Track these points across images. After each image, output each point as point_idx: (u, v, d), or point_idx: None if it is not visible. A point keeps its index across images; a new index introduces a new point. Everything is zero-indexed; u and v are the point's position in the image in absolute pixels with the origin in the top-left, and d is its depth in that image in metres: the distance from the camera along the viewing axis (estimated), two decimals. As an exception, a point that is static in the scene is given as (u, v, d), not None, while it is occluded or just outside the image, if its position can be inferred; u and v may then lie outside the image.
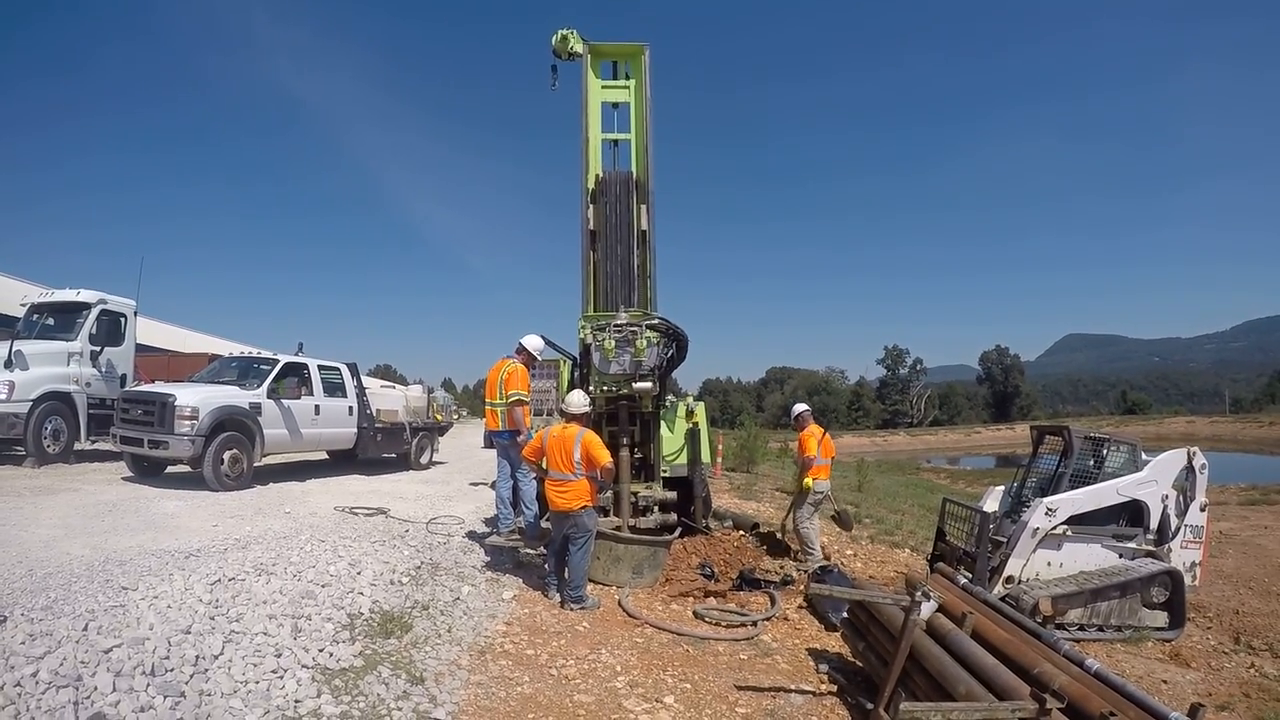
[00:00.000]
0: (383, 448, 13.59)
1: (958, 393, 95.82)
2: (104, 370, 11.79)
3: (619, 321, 7.71)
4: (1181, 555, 7.13)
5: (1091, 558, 7.05)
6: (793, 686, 5.03)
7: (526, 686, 4.66)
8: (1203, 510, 7.32)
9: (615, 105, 9.08)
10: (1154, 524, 7.13)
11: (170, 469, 10.67)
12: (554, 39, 8.65)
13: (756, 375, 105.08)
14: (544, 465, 6.64)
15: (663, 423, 8.79)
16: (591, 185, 8.79)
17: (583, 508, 6.40)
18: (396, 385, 18.90)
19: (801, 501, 8.71)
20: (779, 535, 9.56)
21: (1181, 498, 7.24)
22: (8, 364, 10.44)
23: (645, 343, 7.58)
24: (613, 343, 7.56)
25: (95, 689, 3.61)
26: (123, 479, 10.12)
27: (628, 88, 8.99)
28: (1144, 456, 7.46)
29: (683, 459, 8.96)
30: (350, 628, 5.10)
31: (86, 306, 11.80)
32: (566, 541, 6.48)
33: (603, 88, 8.99)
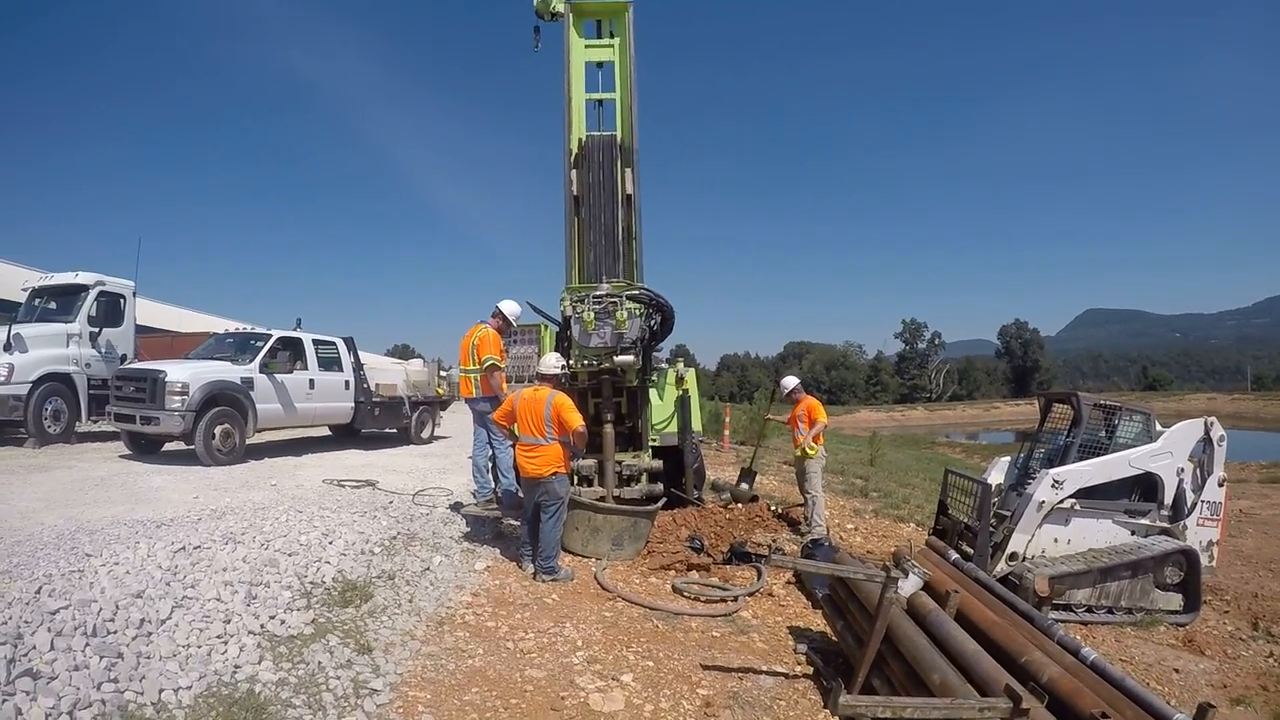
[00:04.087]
0: (381, 422, 13.56)
1: (977, 367, 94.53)
2: (104, 351, 11.85)
3: (599, 293, 7.47)
4: (1198, 533, 6.71)
5: (1101, 534, 6.64)
6: (764, 667, 4.76)
7: (478, 659, 4.51)
8: (1221, 485, 6.88)
9: (599, 65, 8.78)
10: (1168, 499, 6.70)
11: (167, 446, 10.72)
12: None
13: (775, 350, 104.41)
14: (515, 430, 6.47)
15: (652, 390, 8.60)
16: (574, 149, 8.52)
17: (554, 474, 6.21)
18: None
19: (814, 469, 8.63)
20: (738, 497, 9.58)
21: (1198, 471, 6.80)
22: (6, 347, 10.53)
23: (626, 314, 7.34)
24: (592, 315, 7.32)
25: (33, 648, 3.56)
26: (120, 457, 10.16)
27: (612, 46, 8.68)
28: (1158, 427, 7.04)
29: (672, 427, 8.78)
30: (308, 595, 4.99)
31: (85, 288, 11.86)
32: (539, 510, 6.32)
33: (586, 47, 8.68)
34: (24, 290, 12.47)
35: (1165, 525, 6.69)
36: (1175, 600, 6.45)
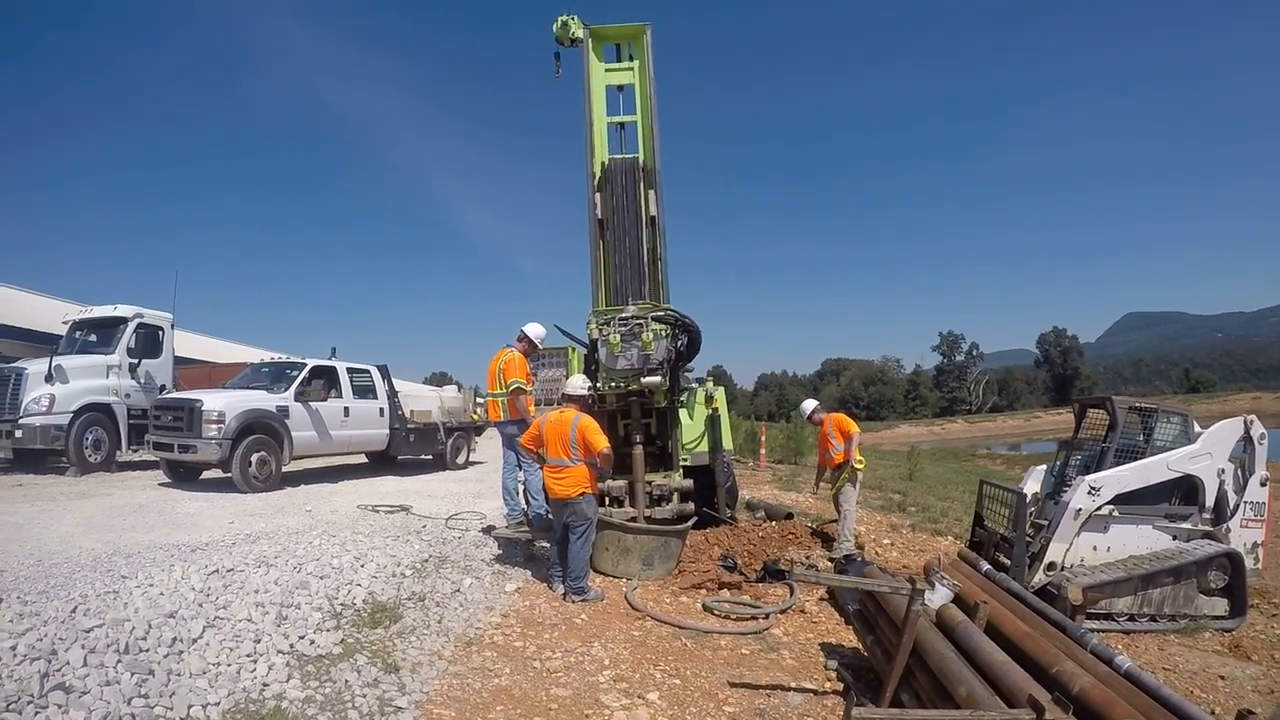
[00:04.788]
0: (416, 448, 13.70)
1: (1016, 377, 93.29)
2: (143, 381, 12.19)
3: (624, 315, 7.50)
4: (1241, 536, 6.46)
5: (1142, 541, 6.43)
6: (792, 684, 4.67)
7: (505, 679, 4.49)
8: (1264, 485, 6.63)
9: (620, 88, 8.90)
10: (1210, 502, 6.47)
11: (205, 474, 10.95)
12: (555, 26, 8.54)
13: (812, 368, 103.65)
14: (543, 453, 6.49)
15: (682, 410, 8.58)
16: (597, 172, 8.62)
17: (581, 494, 6.21)
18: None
19: (851, 481, 8.39)
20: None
21: (1240, 472, 6.57)
22: (48, 378, 10.91)
23: (652, 336, 7.36)
24: (618, 337, 7.36)
25: (67, 663, 3.65)
26: (159, 485, 10.40)
27: (631, 69, 8.81)
28: (1197, 428, 6.81)
29: (703, 446, 8.75)
30: (338, 617, 5.04)
31: (124, 320, 12.24)
32: (567, 531, 6.30)
33: (606, 71, 8.83)
34: (65, 323, 12.89)
35: (1207, 528, 6.47)
36: (1220, 605, 6.21)
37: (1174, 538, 6.44)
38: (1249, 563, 6.33)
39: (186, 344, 18.32)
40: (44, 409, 10.69)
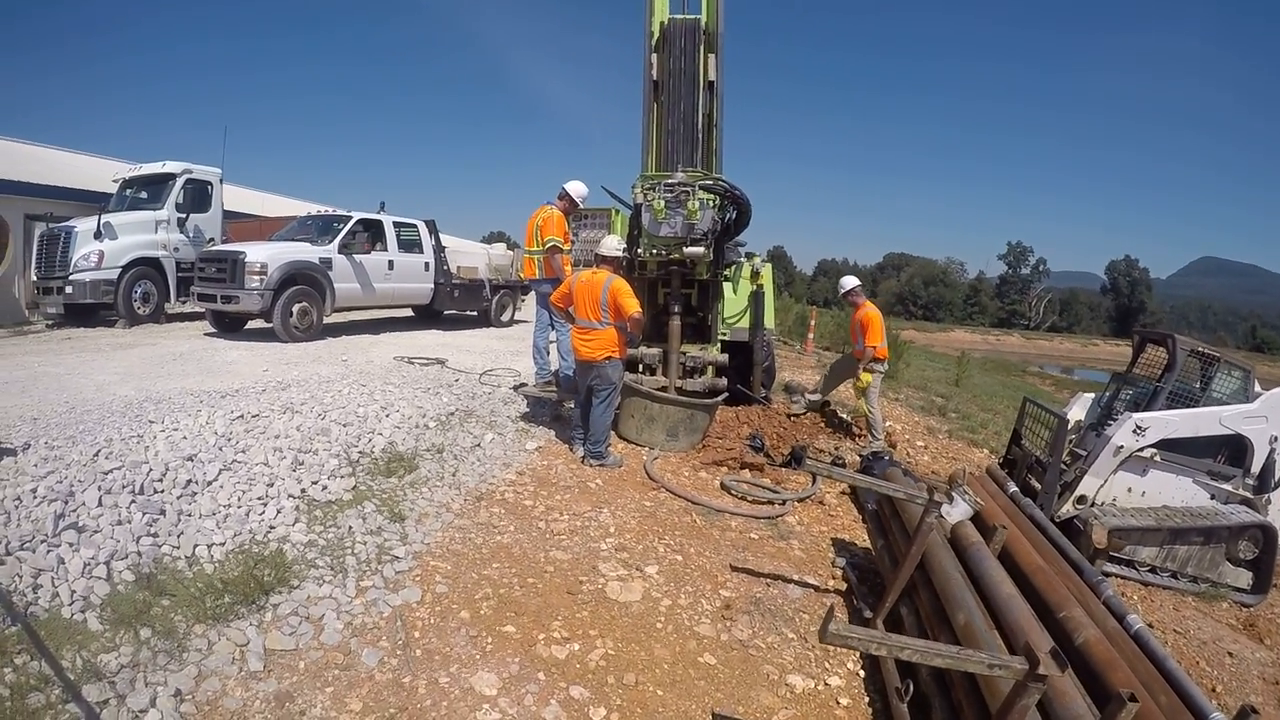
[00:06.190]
0: (460, 304, 13.76)
1: (1080, 300, 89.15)
2: (192, 235, 12.35)
3: (671, 181, 7.05)
4: None
5: (1179, 492, 6.01)
6: (795, 576, 4.58)
7: (507, 536, 4.53)
8: None
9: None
10: (1256, 467, 5.96)
11: (250, 325, 11.22)
12: None
13: (874, 259, 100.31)
14: (572, 313, 6.31)
15: (726, 285, 8.28)
16: (655, 31, 8.06)
17: (607, 358, 6.06)
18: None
19: (872, 390, 8.14)
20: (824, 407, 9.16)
21: None
22: (97, 235, 11.11)
23: (698, 205, 6.92)
24: (663, 203, 6.95)
25: (82, 504, 3.74)
26: (204, 335, 10.69)
27: None
28: (1258, 388, 6.22)
29: (744, 323, 8.50)
30: (354, 464, 5.12)
31: (173, 177, 12.28)
32: (591, 393, 6.21)
33: None
34: (115, 181, 13.03)
35: (1248, 495, 5.96)
36: (1244, 577, 5.79)
37: (1211, 496, 6.00)
38: None
39: (239, 199, 18.47)
40: (93, 265, 10.95)
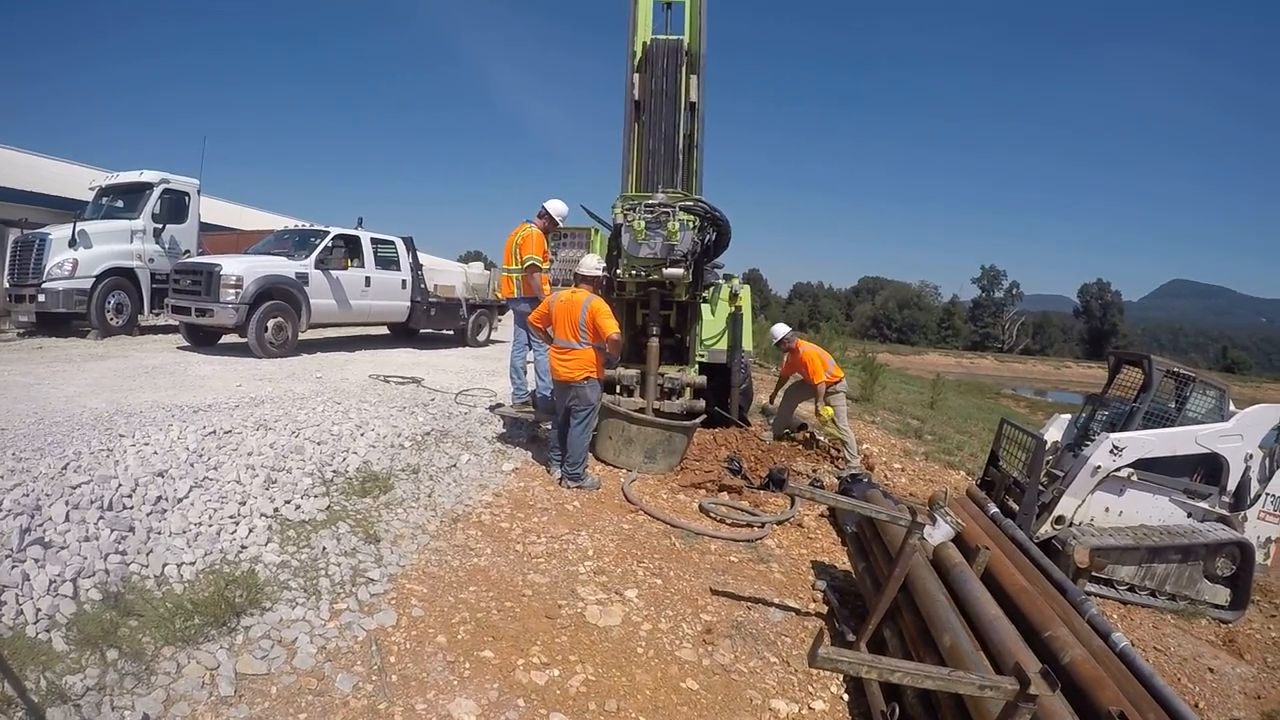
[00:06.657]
0: (437, 322, 13.65)
1: (1053, 323, 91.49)
2: (168, 246, 12.11)
3: (651, 202, 7.10)
4: (1257, 528, 6.12)
5: (1156, 511, 6.15)
6: (776, 599, 4.57)
7: (484, 559, 4.46)
8: None
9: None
10: (1231, 485, 6.12)
11: (223, 339, 11.01)
12: None
13: (849, 283, 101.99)
14: (551, 333, 6.29)
15: (704, 306, 8.36)
16: (638, 52, 8.18)
17: (585, 379, 6.04)
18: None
19: (839, 412, 8.34)
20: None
21: (1268, 461, 6.17)
22: (71, 243, 10.86)
23: (678, 226, 6.98)
24: (643, 224, 6.99)
25: (49, 519, 3.61)
26: (177, 348, 10.46)
27: None
28: (1232, 407, 6.39)
29: (722, 344, 8.56)
30: (328, 484, 5.02)
31: (149, 186, 12.06)
32: (569, 414, 6.17)
33: None
34: (91, 189, 12.78)
35: (1224, 513, 6.13)
36: (1223, 594, 5.95)
37: (1188, 515, 6.14)
38: (1259, 556, 6.00)
39: (216, 211, 18.25)
40: (67, 273, 10.71)
